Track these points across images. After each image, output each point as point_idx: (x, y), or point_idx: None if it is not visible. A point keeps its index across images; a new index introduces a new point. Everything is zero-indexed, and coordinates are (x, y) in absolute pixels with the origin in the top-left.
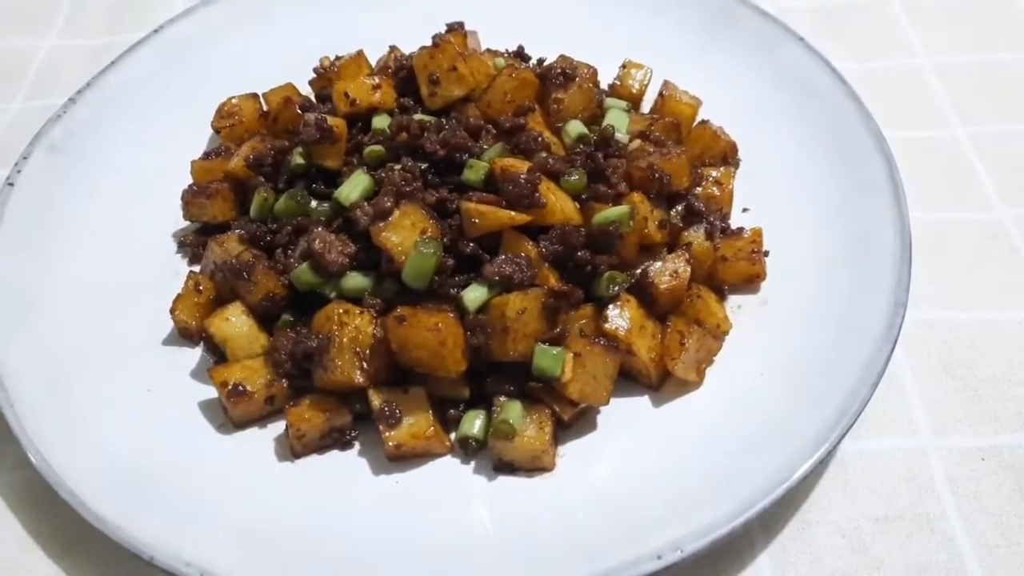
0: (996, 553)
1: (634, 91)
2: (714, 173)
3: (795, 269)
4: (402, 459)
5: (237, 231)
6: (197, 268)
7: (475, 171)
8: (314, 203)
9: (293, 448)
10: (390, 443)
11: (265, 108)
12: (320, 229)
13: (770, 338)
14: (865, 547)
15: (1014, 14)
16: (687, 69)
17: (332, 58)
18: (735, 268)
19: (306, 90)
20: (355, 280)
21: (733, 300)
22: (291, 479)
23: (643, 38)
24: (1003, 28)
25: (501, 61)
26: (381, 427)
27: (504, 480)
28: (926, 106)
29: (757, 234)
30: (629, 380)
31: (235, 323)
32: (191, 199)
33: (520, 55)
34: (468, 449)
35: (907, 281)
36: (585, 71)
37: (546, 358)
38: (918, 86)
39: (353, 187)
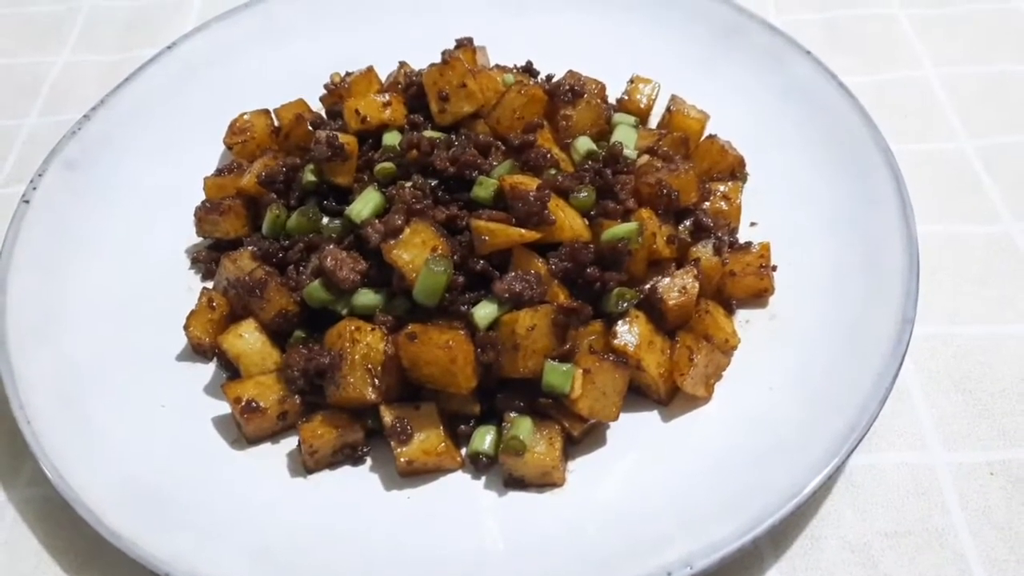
0: (1006, 568)
1: (642, 106)
2: (722, 188)
3: (803, 283)
4: (414, 475)
5: (250, 248)
6: (210, 284)
7: (485, 188)
8: (326, 220)
9: (306, 464)
10: (402, 459)
11: (277, 124)
12: (332, 246)
13: (779, 353)
14: (874, 562)
15: (1020, 26)
16: (694, 83)
17: (343, 74)
18: (743, 283)
19: (317, 106)
20: (366, 297)
21: (741, 315)
22: (303, 495)
23: (650, 53)
24: (1010, 40)
25: (510, 77)
26: (393, 443)
27: (514, 496)
28: (933, 119)
29: (765, 248)
30: (638, 396)
31: (248, 339)
32: (204, 215)
33: (529, 71)
34: (479, 465)
35: (915, 295)
36: (593, 87)
37: (556, 374)
38: (925, 98)
39: (364, 204)
